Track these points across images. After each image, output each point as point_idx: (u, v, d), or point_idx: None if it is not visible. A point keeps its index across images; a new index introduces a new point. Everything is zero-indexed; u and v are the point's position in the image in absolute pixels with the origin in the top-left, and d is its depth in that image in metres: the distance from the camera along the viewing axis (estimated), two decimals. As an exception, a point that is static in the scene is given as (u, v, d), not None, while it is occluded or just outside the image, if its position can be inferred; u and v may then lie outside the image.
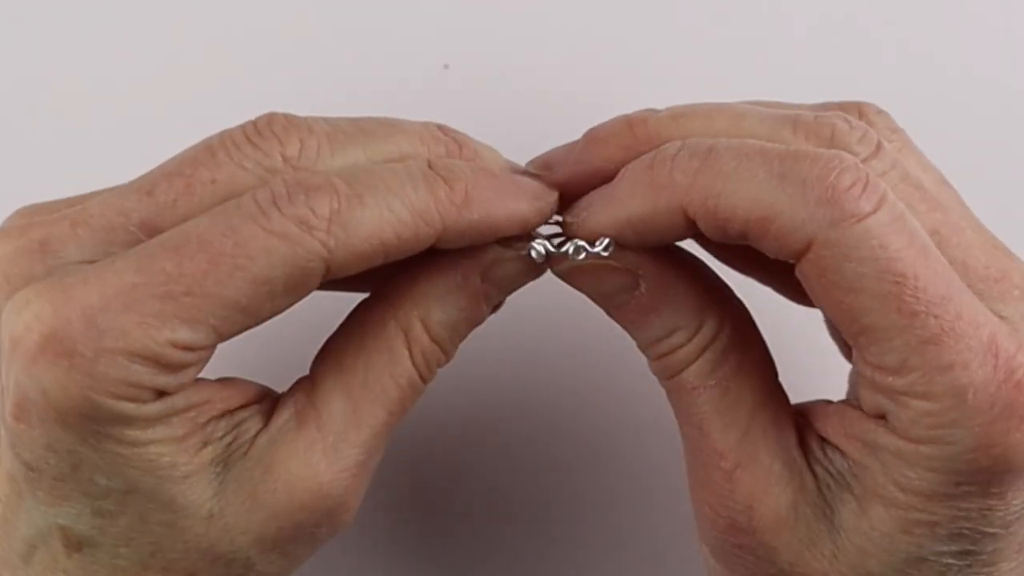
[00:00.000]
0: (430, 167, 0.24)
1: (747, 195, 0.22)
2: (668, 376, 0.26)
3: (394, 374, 0.25)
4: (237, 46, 0.38)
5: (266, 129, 0.24)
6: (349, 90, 0.37)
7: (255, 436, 0.25)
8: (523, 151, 0.37)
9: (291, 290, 0.23)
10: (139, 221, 0.24)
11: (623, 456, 0.37)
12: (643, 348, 0.26)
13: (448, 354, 0.26)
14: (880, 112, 0.26)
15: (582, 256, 0.25)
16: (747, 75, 0.38)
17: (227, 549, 0.24)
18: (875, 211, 0.22)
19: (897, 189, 0.23)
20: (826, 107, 0.26)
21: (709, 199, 0.23)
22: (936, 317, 0.21)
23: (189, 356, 0.23)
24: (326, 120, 0.25)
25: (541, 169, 0.27)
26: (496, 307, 0.27)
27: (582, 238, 0.25)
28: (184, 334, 0.22)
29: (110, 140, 0.36)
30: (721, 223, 0.23)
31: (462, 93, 0.37)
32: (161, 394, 0.23)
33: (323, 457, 0.24)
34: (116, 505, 0.23)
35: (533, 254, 0.25)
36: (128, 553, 0.24)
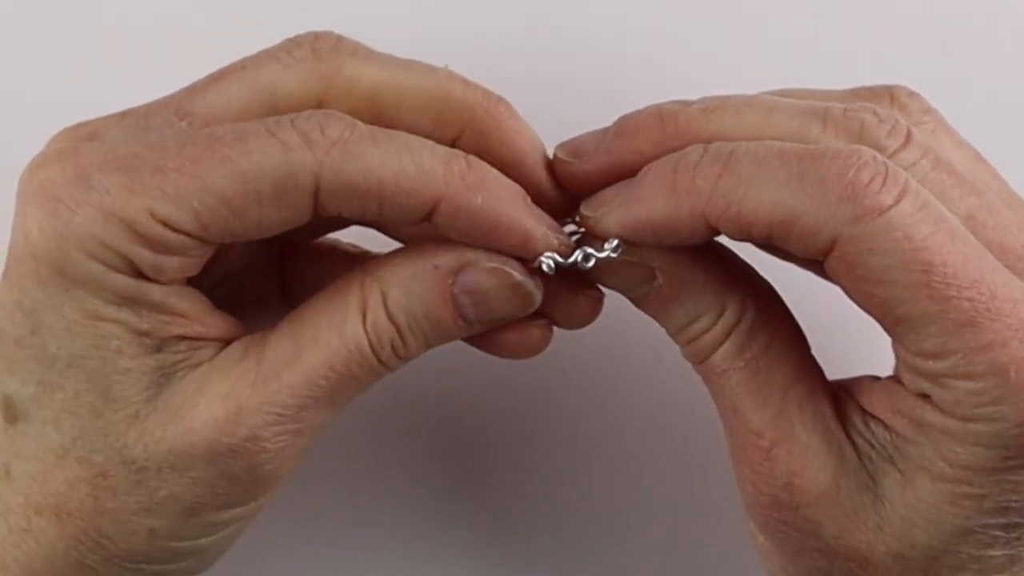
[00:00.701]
0: (464, 156, 0.24)
1: (768, 199, 0.23)
2: (699, 361, 0.26)
3: (343, 332, 0.25)
4: (236, 45, 0.38)
5: (308, 33, 0.26)
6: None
7: (203, 363, 0.25)
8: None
9: (278, 199, 0.23)
10: (176, 107, 0.25)
11: (630, 454, 0.37)
12: (672, 336, 0.26)
13: (406, 342, 0.25)
14: (912, 95, 0.26)
15: (591, 263, 0.25)
16: (753, 72, 0.38)
17: (140, 454, 0.24)
18: (897, 202, 0.22)
19: (928, 178, 0.24)
20: (857, 93, 0.26)
21: (732, 205, 0.23)
22: (970, 300, 0.22)
23: (169, 236, 0.23)
24: (370, 50, 0.26)
25: (571, 155, 0.26)
26: (475, 335, 0.26)
27: (598, 234, 0.25)
28: (164, 207, 0.23)
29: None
30: (745, 227, 0.23)
31: (462, 93, 0.37)
32: (139, 275, 0.23)
33: (250, 386, 0.24)
34: (58, 376, 0.24)
35: (544, 268, 0.25)
36: (53, 433, 0.24)
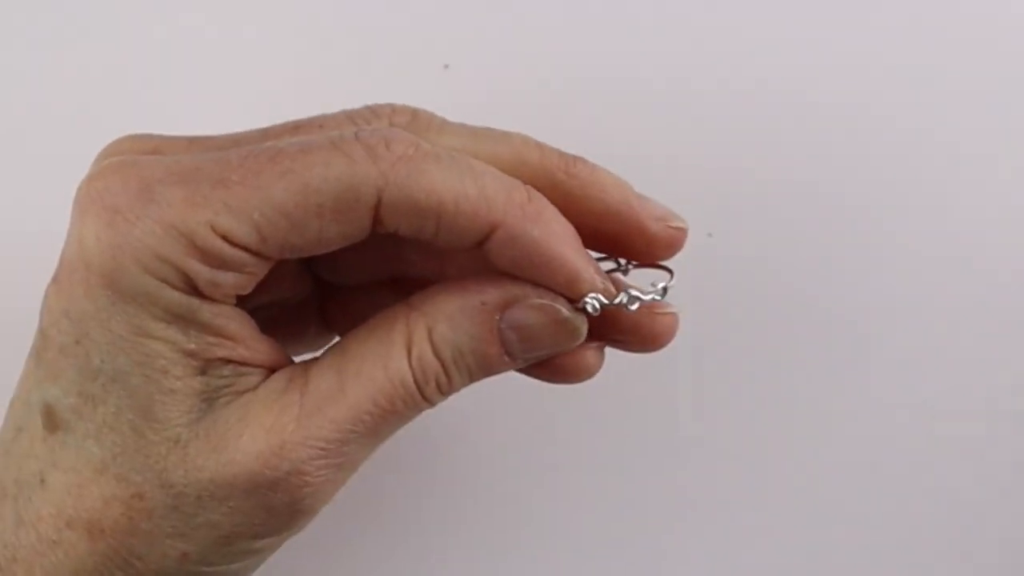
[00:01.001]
0: (525, 187, 0.25)
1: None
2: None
3: (388, 367, 0.24)
4: (236, 47, 0.38)
5: (386, 107, 0.26)
6: (349, 90, 0.37)
7: (246, 391, 0.24)
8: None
9: (340, 213, 0.23)
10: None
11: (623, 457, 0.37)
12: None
13: (451, 378, 0.25)
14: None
15: (635, 306, 0.26)
16: (749, 75, 0.38)
17: (180, 479, 0.24)
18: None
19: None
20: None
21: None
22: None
23: (228, 250, 0.23)
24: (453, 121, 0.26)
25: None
26: (523, 368, 0.26)
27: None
28: (225, 220, 0.22)
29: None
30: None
31: (462, 93, 0.37)
32: (193, 291, 0.23)
33: (294, 420, 0.24)
34: (101, 390, 0.23)
35: (588, 308, 0.25)
36: (94, 447, 0.24)
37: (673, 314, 0.27)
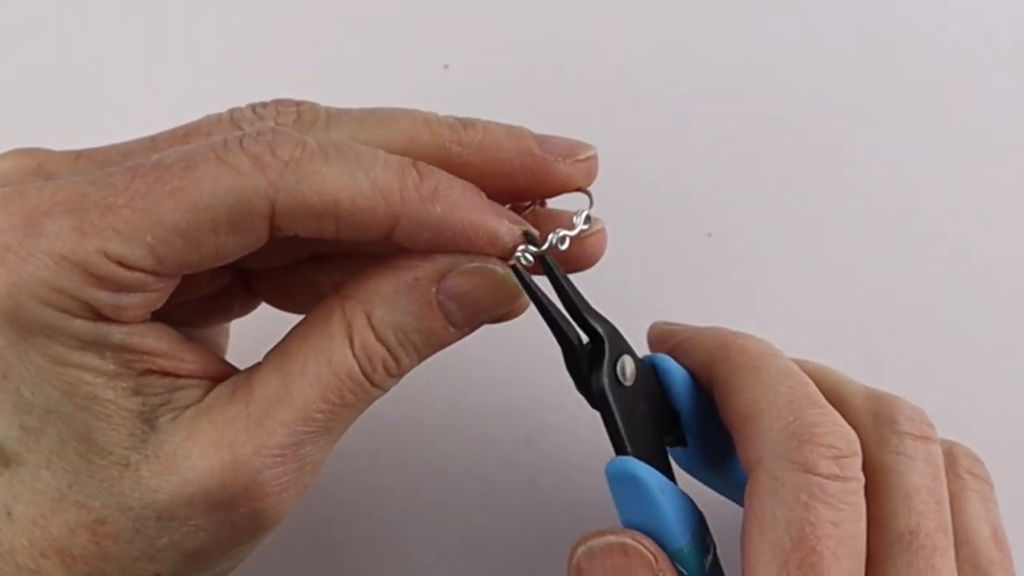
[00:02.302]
0: (413, 164, 0.24)
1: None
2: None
3: (332, 361, 0.24)
4: (237, 46, 0.38)
5: (271, 104, 0.25)
6: (349, 90, 0.37)
7: (188, 406, 0.24)
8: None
9: (234, 226, 0.22)
10: (133, 160, 0.24)
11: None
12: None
13: (399, 359, 0.25)
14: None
15: (566, 245, 0.25)
16: (747, 78, 0.38)
17: (137, 503, 0.23)
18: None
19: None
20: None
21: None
22: None
23: (125, 274, 0.22)
24: (340, 108, 0.25)
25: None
26: (467, 331, 0.26)
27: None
28: (118, 246, 0.22)
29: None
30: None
31: (462, 93, 0.37)
32: (99, 317, 0.22)
33: (244, 430, 0.23)
34: (39, 422, 0.23)
35: (522, 261, 0.25)
36: (48, 477, 0.23)
37: (598, 232, 0.26)
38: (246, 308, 0.30)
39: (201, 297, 0.28)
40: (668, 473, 0.26)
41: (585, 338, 0.26)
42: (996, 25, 0.39)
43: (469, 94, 0.37)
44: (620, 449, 0.25)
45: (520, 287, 0.25)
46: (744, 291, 0.36)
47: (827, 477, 0.24)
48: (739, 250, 0.36)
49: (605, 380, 0.25)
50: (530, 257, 0.25)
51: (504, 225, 0.24)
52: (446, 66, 0.37)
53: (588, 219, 0.26)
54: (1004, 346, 0.36)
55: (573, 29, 0.38)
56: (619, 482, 0.25)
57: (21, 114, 0.37)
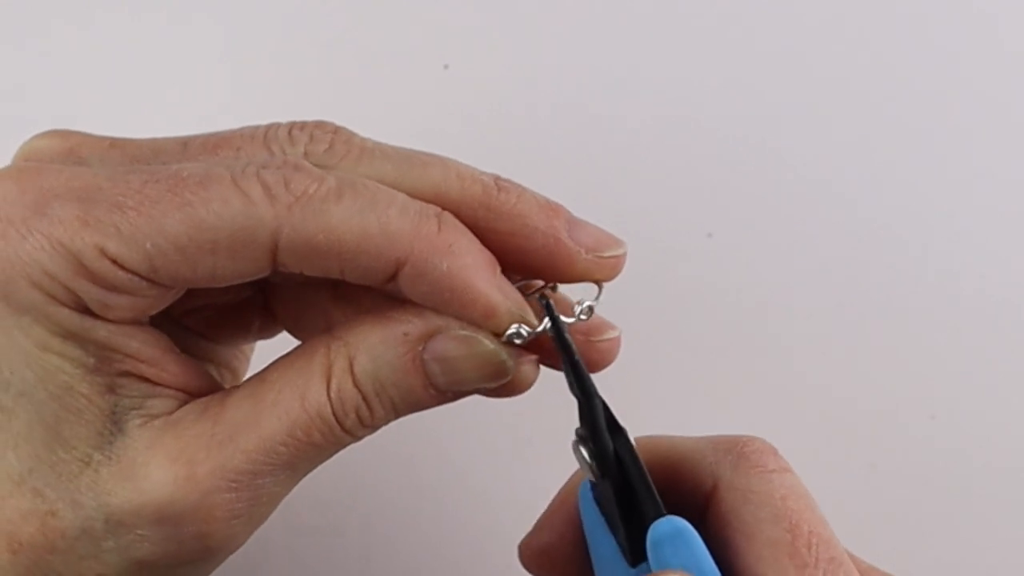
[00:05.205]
0: (438, 214, 0.23)
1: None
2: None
3: (305, 398, 0.24)
4: (237, 46, 0.38)
5: (308, 127, 0.25)
6: (350, 90, 0.37)
7: (159, 416, 0.24)
8: (521, 151, 0.37)
9: (233, 251, 0.22)
10: (164, 161, 0.24)
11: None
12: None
13: (373, 410, 0.24)
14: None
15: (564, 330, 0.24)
16: (745, 79, 0.38)
17: (90, 502, 0.23)
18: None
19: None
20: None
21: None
22: None
23: (117, 274, 0.22)
24: (377, 142, 0.25)
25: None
26: (451, 398, 0.25)
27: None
28: (116, 245, 0.22)
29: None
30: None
31: (462, 93, 0.37)
32: (85, 310, 0.22)
33: (204, 449, 0.23)
34: (12, 403, 0.23)
35: (515, 340, 0.24)
36: (13, 459, 0.23)
37: (611, 340, 0.25)
38: (265, 330, 0.29)
39: (219, 307, 0.28)
40: None
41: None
42: (1002, 26, 0.39)
43: (469, 94, 0.37)
44: (652, 507, 0.23)
45: (509, 367, 0.24)
46: (744, 291, 0.36)
47: None
48: (739, 250, 0.36)
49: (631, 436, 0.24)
50: (524, 335, 0.24)
51: (505, 304, 0.24)
52: (446, 66, 0.37)
53: (591, 312, 0.25)
54: (1004, 346, 0.36)
55: (573, 29, 0.38)
56: (671, 543, 0.23)
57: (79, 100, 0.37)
